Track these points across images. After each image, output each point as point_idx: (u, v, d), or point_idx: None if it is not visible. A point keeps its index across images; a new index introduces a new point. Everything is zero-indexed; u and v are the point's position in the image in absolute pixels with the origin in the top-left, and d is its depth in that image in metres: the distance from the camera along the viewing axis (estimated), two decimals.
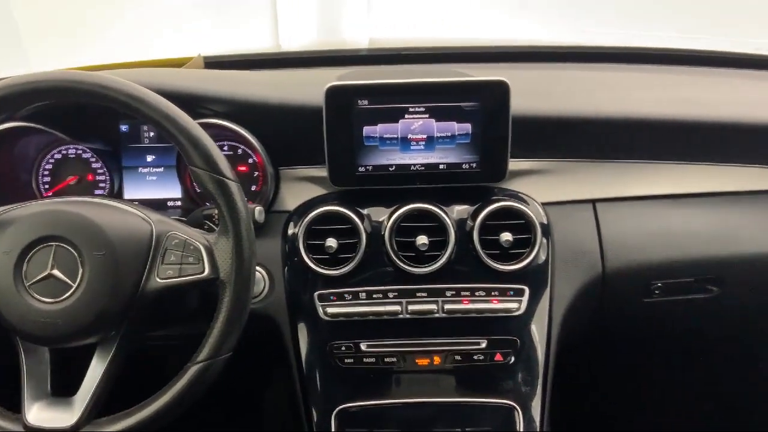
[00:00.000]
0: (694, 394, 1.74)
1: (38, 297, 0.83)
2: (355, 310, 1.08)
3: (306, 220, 1.07)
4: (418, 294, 1.08)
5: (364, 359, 1.09)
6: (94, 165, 1.21)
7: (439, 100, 1.05)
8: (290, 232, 1.11)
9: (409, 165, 1.09)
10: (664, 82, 1.39)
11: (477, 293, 1.08)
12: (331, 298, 1.08)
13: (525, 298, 1.08)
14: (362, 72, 1.30)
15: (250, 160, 1.16)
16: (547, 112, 1.15)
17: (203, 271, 0.87)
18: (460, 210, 1.10)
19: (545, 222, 1.11)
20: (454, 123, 1.07)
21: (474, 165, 1.09)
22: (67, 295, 0.83)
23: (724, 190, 1.20)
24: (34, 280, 0.83)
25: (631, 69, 1.48)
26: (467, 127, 1.07)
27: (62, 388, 0.90)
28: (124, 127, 1.20)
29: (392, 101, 1.05)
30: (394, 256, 1.07)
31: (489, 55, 1.52)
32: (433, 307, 1.07)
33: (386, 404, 1.10)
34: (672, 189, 1.18)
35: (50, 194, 1.21)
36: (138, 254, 0.86)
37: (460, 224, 1.09)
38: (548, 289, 1.11)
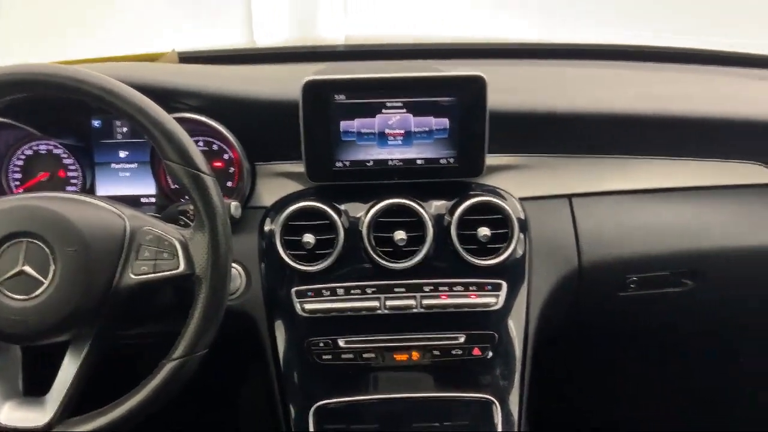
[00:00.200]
0: (671, 387, 1.76)
1: (9, 294, 0.81)
2: (333, 306, 1.07)
3: (283, 215, 1.06)
4: (396, 289, 1.08)
5: (342, 355, 1.09)
6: (65, 161, 1.19)
7: (416, 95, 1.05)
8: (267, 228, 1.10)
9: (387, 160, 1.09)
10: (639, 79, 1.41)
11: (455, 288, 1.08)
12: (309, 294, 1.07)
13: (503, 293, 1.09)
14: (339, 67, 1.30)
15: (226, 156, 1.15)
16: (524, 107, 1.16)
17: (178, 267, 0.85)
18: (437, 205, 1.10)
19: (522, 217, 1.12)
20: (432, 118, 1.07)
21: (451, 160, 1.09)
22: (39, 292, 0.81)
23: (699, 184, 1.21)
24: (5, 276, 0.81)
25: (608, 66, 1.49)
26: (444, 122, 1.07)
27: (34, 387, 0.88)
28: (96, 123, 1.18)
29: (369, 96, 1.05)
30: (372, 252, 1.06)
31: (467, 51, 1.53)
32: (411, 302, 1.07)
33: (365, 400, 1.10)
34: (647, 184, 1.20)
35: (20, 191, 1.19)
36: (111, 250, 0.85)
37: (438, 219, 1.09)
38: (525, 283, 1.11)
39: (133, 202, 1.17)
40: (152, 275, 0.85)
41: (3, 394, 0.86)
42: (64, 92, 0.85)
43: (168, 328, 0.91)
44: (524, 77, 1.37)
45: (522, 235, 1.10)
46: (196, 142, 1.10)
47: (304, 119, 1.04)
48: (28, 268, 0.82)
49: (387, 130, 1.07)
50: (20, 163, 1.19)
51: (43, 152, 1.19)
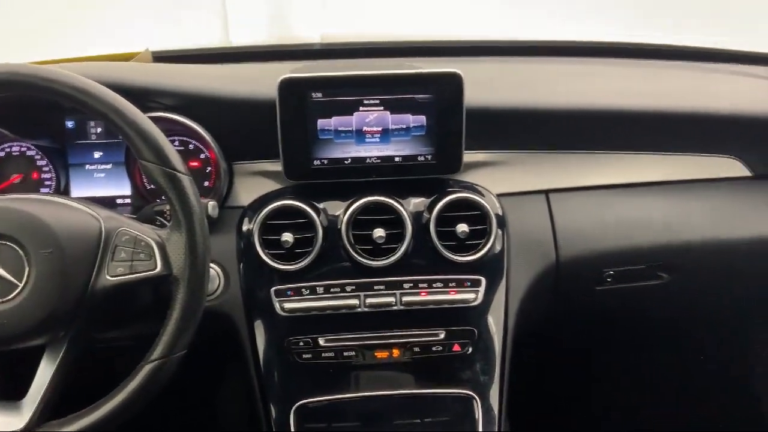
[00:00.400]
0: (648, 379, 1.79)
1: None
2: (313, 305, 1.07)
3: (261, 215, 1.05)
4: (376, 287, 1.08)
5: (323, 354, 1.09)
6: (39, 162, 1.17)
7: (393, 92, 1.05)
8: (245, 227, 1.10)
9: (365, 158, 1.08)
10: (616, 75, 1.42)
11: (434, 285, 1.08)
12: (288, 293, 1.07)
13: (482, 289, 1.09)
14: (316, 65, 1.30)
15: (202, 155, 1.14)
16: (501, 104, 1.16)
17: (155, 268, 0.85)
18: (416, 202, 1.11)
19: (500, 213, 1.12)
20: (409, 115, 1.07)
21: (429, 157, 1.09)
22: (13, 295, 0.80)
23: (674, 179, 1.23)
24: None
25: (584, 62, 1.51)
26: (422, 119, 1.07)
27: (11, 391, 0.87)
28: (70, 123, 1.16)
29: (346, 94, 1.05)
30: (351, 250, 1.06)
31: (443, 49, 1.53)
32: (391, 299, 1.07)
33: (346, 398, 1.10)
34: (623, 178, 1.21)
35: None
36: (87, 252, 0.84)
37: (417, 216, 1.09)
38: (504, 279, 1.12)
39: (108, 203, 1.16)
40: (129, 276, 0.84)
41: None
42: (36, 92, 0.84)
43: (146, 330, 0.90)
44: (501, 74, 1.38)
45: (500, 231, 1.11)
46: (172, 141, 1.10)
47: (280, 118, 1.04)
48: (2, 271, 0.80)
49: (364, 128, 1.07)
50: None
51: (16, 154, 1.17)
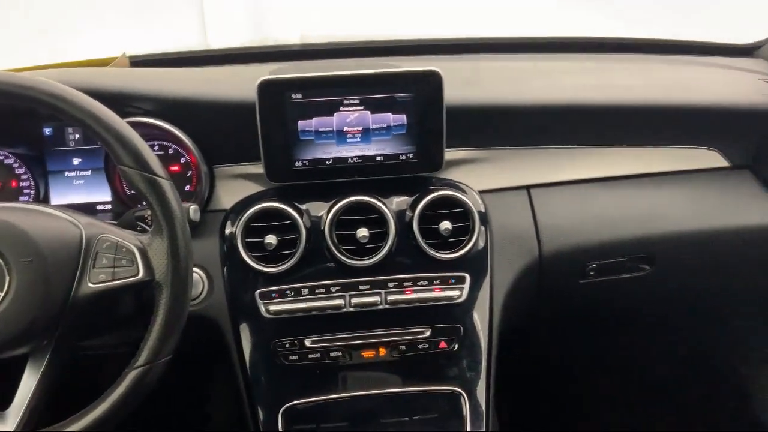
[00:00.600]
0: (634, 371, 1.80)
1: None
2: (298, 307, 1.07)
3: (243, 217, 1.05)
4: (361, 287, 1.08)
5: (309, 355, 1.09)
6: (17, 171, 1.16)
7: (373, 91, 1.05)
8: (228, 231, 1.09)
9: (347, 158, 1.08)
10: (594, 70, 1.43)
11: (419, 283, 1.08)
12: (273, 295, 1.07)
13: (466, 285, 1.10)
14: (295, 66, 1.29)
15: (183, 159, 1.13)
16: (481, 101, 1.17)
17: (137, 274, 0.84)
18: (399, 201, 1.11)
19: (483, 209, 1.13)
20: (389, 114, 1.07)
21: (411, 156, 1.09)
22: None
23: (654, 171, 1.24)
24: None
25: (562, 58, 1.51)
26: (402, 118, 1.07)
27: None
28: (47, 130, 1.15)
29: (326, 94, 1.05)
30: (335, 250, 1.06)
31: (422, 47, 1.53)
32: (377, 299, 1.07)
33: (333, 399, 1.10)
34: (604, 172, 1.22)
35: None
36: (68, 259, 0.83)
37: (400, 215, 1.09)
38: (488, 275, 1.12)
39: (88, 210, 1.15)
40: (111, 283, 0.84)
41: None
42: (12, 100, 0.83)
43: (131, 337, 0.90)
44: (480, 72, 1.39)
45: (483, 228, 1.11)
46: (152, 146, 1.09)
47: (261, 119, 1.04)
48: None
49: (345, 128, 1.07)
50: None
51: None
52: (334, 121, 1.06)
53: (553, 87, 1.26)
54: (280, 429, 1.08)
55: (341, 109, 1.06)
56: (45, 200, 1.15)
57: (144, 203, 0.87)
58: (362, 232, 1.05)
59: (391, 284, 1.08)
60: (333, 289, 1.08)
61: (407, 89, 1.05)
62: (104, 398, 0.83)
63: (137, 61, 1.39)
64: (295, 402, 1.09)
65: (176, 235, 0.85)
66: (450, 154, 1.13)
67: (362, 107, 1.06)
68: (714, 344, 1.77)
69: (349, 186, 1.09)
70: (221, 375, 1.61)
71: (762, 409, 1.69)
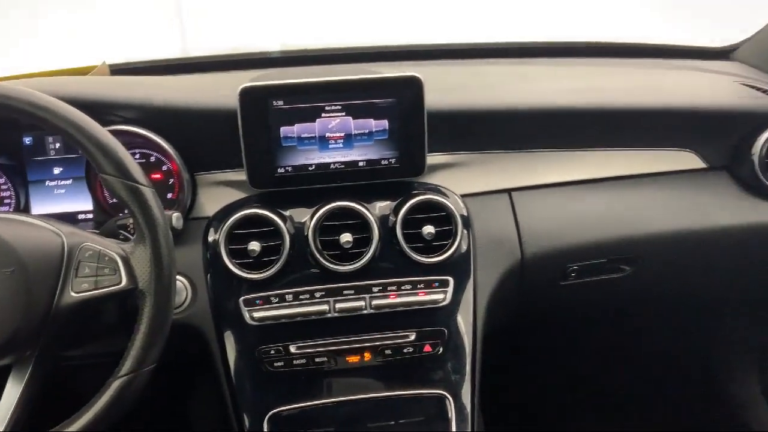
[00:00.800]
0: (616, 372, 1.82)
1: None
2: (283, 313, 1.06)
3: (227, 225, 1.05)
4: (345, 292, 1.08)
5: (294, 361, 1.08)
6: None
7: (354, 97, 1.06)
8: (211, 238, 1.09)
9: (329, 164, 1.09)
10: (572, 73, 1.45)
11: (403, 287, 1.09)
12: (257, 302, 1.07)
13: (450, 289, 1.10)
14: (276, 73, 1.30)
15: (165, 167, 1.13)
16: (462, 106, 1.18)
17: (120, 282, 0.84)
18: (382, 206, 1.11)
19: (465, 213, 1.13)
20: (371, 120, 1.08)
21: (393, 161, 1.10)
22: None
23: (632, 173, 1.26)
24: None
25: (540, 62, 1.53)
26: (384, 123, 1.08)
27: None
28: (27, 140, 1.14)
29: (308, 100, 1.05)
30: (318, 256, 1.06)
31: (403, 53, 1.55)
32: (361, 303, 1.08)
33: (319, 405, 1.10)
34: (583, 175, 1.23)
35: None
36: (50, 269, 0.82)
37: (383, 220, 1.10)
38: (471, 278, 1.13)
39: (70, 219, 1.14)
40: (94, 292, 0.83)
41: None
42: None
43: (114, 346, 0.89)
44: (461, 77, 1.40)
45: (465, 231, 1.12)
46: (133, 154, 1.09)
47: (243, 127, 1.04)
48: None
49: (327, 134, 1.07)
50: None
51: None
52: (316, 127, 1.07)
53: (533, 91, 1.27)
54: None
55: (323, 115, 1.06)
56: (26, 210, 1.14)
57: (126, 211, 0.87)
58: (346, 238, 1.06)
59: (375, 289, 1.08)
60: (317, 295, 1.08)
61: (389, 95, 1.06)
62: (88, 408, 0.83)
63: (117, 70, 1.39)
64: (280, 409, 1.09)
65: (159, 243, 0.84)
66: (432, 159, 1.14)
67: (344, 113, 1.06)
68: (695, 344, 1.80)
69: (332, 192, 1.09)
70: (206, 383, 1.61)
71: (744, 409, 1.72)
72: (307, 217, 1.08)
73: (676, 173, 1.28)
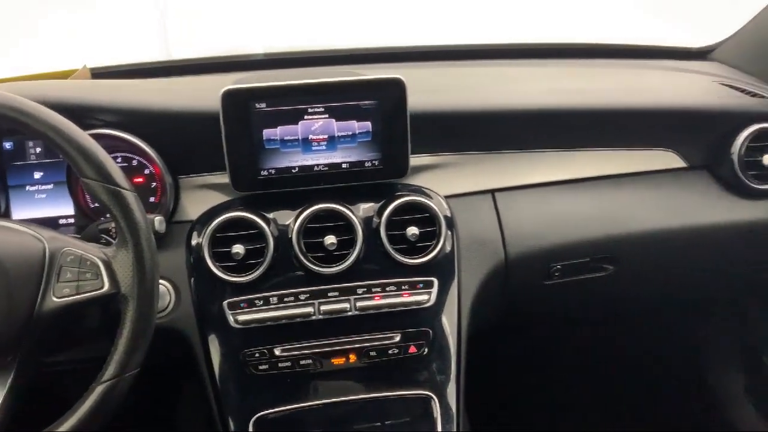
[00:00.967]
0: (600, 370, 1.83)
1: None
2: (267, 316, 1.06)
3: (210, 228, 1.05)
4: (330, 294, 1.08)
5: (279, 364, 1.08)
6: None
7: (337, 99, 1.06)
8: (194, 242, 1.09)
9: (312, 166, 1.09)
10: (554, 74, 1.46)
11: (388, 288, 1.09)
12: (242, 305, 1.06)
13: (434, 290, 1.10)
14: (259, 76, 1.29)
15: (147, 171, 1.12)
16: (444, 107, 1.19)
17: (102, 287, 0.83)
18: (365, 208, 1.11)
19: (449, 214, 1.14)
20: (354, 122, 1.08)
21: (376, 162, 1.10)
22: None
23: (615, 173, 1.27)
24: None
25: (522, 64, 1.54)
26: (367, 125, 1.08)
27: None
28: (7, 144, 1.13)
29: (290, 103, 1.05)
30: (303, 258, 1.06)
31: (385, 55, 1.55)
32: (346, 305, 1.08)
33: (305, 407, 1.09)
34: (566, 175, 1.24)
35: None
36: (31, 274, 0.82)
37: (367, 222, 1.10)
38: (456, 279, 1.13)
39: (51, 224, 1.13)
40: (76, 297, 0.83)
41: None
42: None
43: (97, 351, 0.89)
44: (443, 79, 1.40)
45: (449, 232, 1.13)
46: (115, 158, 1.08)
47: (225, 129, 1.03)
48: None
49: (310, 136, 1.07)
50: None
51: None
52: (299, 129, 1.07)
53: (516, 93, 1.28)
54: None
55: (306, 117, 1.06)
56: (6, 215, 1.13)
57: (108, 216, 0.87)
58: (330, 240, 1.06)
59: (359, 290, 1.08)
60: (302, 297, 1.07)
61: (371, 97, 1.06)
62: (71, 413, 0.82)
63: (98, 73, 1.38)
64: (266, 412, 1.08)
65: (141, 247, 0.84)
66: (415, 160, 1.14)
67: (327, 115, 1.07)
68: (679, 343, 1.81)
69: (315, 194, 1.09)
70: (191, 387, 1.60)
71: (727, 407, 1.73)
72: (291, 220, 1.08)
73: (657, 173, 1.29)
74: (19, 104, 0.83)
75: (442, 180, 1.18)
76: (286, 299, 1.07)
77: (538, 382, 1.85)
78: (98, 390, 0.82)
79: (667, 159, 1.30)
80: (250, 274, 1.05)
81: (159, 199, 1.12)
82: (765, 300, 1.59)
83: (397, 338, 1.10)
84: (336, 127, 1.07)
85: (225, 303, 1.06)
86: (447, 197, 1.17)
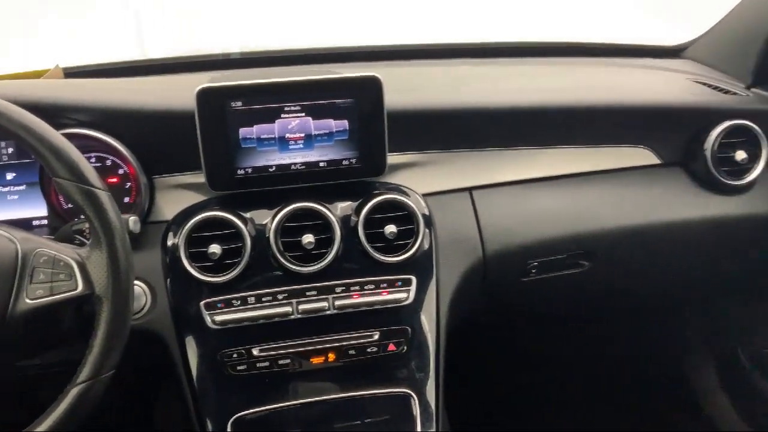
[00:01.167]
0: (579, 367, 1.84)
1: None
2: (245, 316, 1.05)
3: (186, 228, 1.04)
4: (308, 293, 1.08)
5: (258, 364, 1.08)
6: None
7: (314, 98, 1.06)
8: (170, 242, 1.08)
9: (289, 165, 1.08)
10: (528, 73, 1.47)
11: (366, 287, 1.09)
12: (219, 305, 1.06)
13: (413, 288, 1.11)
14: (235, 74, 1.28)
15: (121, 171, 1.11)
16: (421, 106, 1.19)
17: (76, 288, 0.82)
18: (343, 206, 1.11)
19: (426, 212, 1.14)
20: (331, 120, 1.07)
21: (354, 161, 1.10)
22: None
23: (590, 170, 1.28)
24: None
25: (497, 62, 1.55)
26: (344, 123, 1.08)
27: None
28: None
29: (267, 101, 1.04)
30: (280, 257, 1.06)
31: (362, 54, 1.55)
32: (324, 304, 1.07)
33: (284, 407, 1.09)
34: (542, 172, 1.25)
35: None
36: (3, 276, 0.80)
37: (345, 220, 1.09)
38: (434, 276, 1.13)
39: (24, 225, 1.11)
40: (49, 298, 0.81)
41: None
42: None
43: (72, 354, 0.87)
44: (420, 77, 1.41)
45: (427, 230, 1.13)
46: (89, 158, 1.07)
47: (200, 128, 1.03)
48: None
49: (287, 135, 1.07)
50: None
51: None
52: (276, 128, 1.06)
53: (491, 91, 1.29)
54: None
55: (282, 115, 1.06)
56: None
57: (81, 216, 0.85)
58: (308, 239, 1.05)
59: (338, 289, 1.08)
60: (280, 297, 1.07)
61: (348, 95, 1.06)
62: (46, 416, 0.81)
63: (71, 73, 1.36)
64: (244, 413, 1.07)
65: (116, 247, 0.83)
66: (393, 159, 1.14)
67: (303, 114, 1.06)
68: (656, 338, 1.83)
69: (293, 193, 1.09)
70: (168, 388, 1.58)
71: (703, 401, 1.76)
72: (269, 219, 1.07)
73: (632, 169, 1.30)
74: None
75: (420, 178, 1.19)
76: (263, 299, 1.06)
77: (517, 379, 1.86)
78: (73, 392, 0.81)
79: (641, 156, 1.32)
80: (227, 274, 1.04)
81: (134, 200, 1.11)
82: (738, 294, 1.61)
83: (376, 336, 1.10)
84: (313, 125, 1.07)
85: (202, 303, 1.05)
86: (425, 195, 1.17)
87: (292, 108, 1.05)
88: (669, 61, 1.60)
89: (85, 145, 1.05)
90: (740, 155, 1.28)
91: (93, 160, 1.10)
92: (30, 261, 0.82)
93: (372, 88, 1.06)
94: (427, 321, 1.13)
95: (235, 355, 1.07)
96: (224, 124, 1.04)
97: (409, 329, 1.11)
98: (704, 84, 1.41)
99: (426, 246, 1.13)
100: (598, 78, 1.46)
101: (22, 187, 1.12)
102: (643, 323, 1.79)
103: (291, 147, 1.07)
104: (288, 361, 1.08)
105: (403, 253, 1.09)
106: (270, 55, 1.52)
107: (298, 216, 1.07)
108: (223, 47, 1.58)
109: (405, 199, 1.10)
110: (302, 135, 1.07)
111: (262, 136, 1.06)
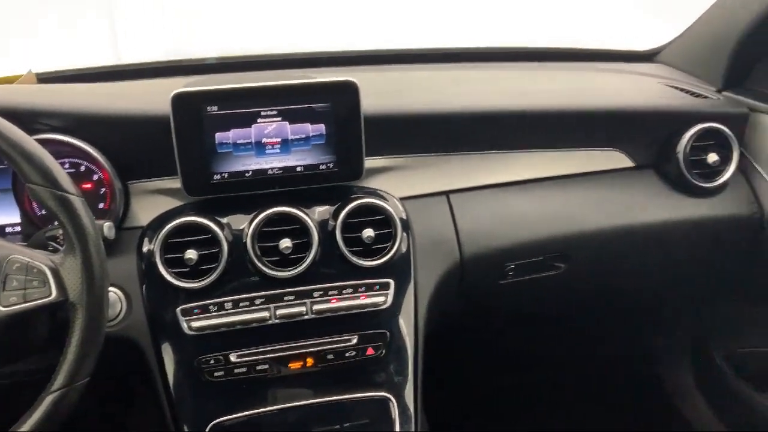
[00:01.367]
0: (557, 368, 1.86)
1: None
2: (222, 321, 1.05)
3: (162, 233, 1.03)
4: (286, 298, 1.07)
5: (235, 370, 1.07)
6: None
7: (290, 102, 1.06)
8: (146, 248, 1.07)
9: (266, 169, 1.08)
10: (505, 77, 1.48)
11: (344, 291, 1.09)
12: (195, 311, 1.05)
13: (391, 291, 1.11)
14: (211, 79, 1.28)
15: (95, 177, 1.10)
16: (398, 110, 1.19)
17: (50, 295, 0.81)
18: (321, 211, 1.11)
19: (404, 216, 1.14)
20: (308, 125, 1.07)
21: (331, 165, 1.10)
22: None
23: (565, 173, 1.29)
24: None
25: (474, 67, 1.56)
26: (321, 128, 1.08)
27: None
28: None
29: (243, 106, 1.04)
30: (258, 262, 1.05)
31: (338, 59, 1.55)
32: (302, 309, 1.07)
33: (262, 413, 1.08)
34: (518, 176, 1.26)
35: None
36: None
37: (323, 224, 1.09)
38: (412, 280, 1.14)
39: None
40: (22, 305, 0.80)
41: None
42: None
43: (46, 362, 0.86)
44: (395, 82, 1.41)
45: (405, 234, 1.13)
46: (62, 164, 1.06)
47: (176, 133, 1.02)
48: None
49: (264, 139, 1.07)
50: None
51: None
52: (252, 132, 1.06)
53: (467, 95, 1.30)
54: None
55: (259, 120, 1.05)
56: None
57: (55, 222, 0.84)
58: (285, 243, 1.05)
59: (316, 294, 1.08)
60: (257, 302, 1.06)
61: (324, 99, 1.06)
62: (20, 425, 0.79)
63: (45, 78, 1.35)
64: (222, 419, 1.07)
65: (90, 253, 0.82)
66: (370, 163, 1.14)
67: (280, 118, 1.06)
68: (630, 340, 1.85)
69: (270, 197, 1.08)
70: (145, 395, 1.57)
71: (677, 403, 1.78)
72: (245, 224, 1.07)
73: (606, 172, 1.32)
74: None
75: (398, 182, 1.19)
76: (241, 304, 1.06)
77: (495, 381, 1.87)
78: (47, 400, 0.80)
79: (615, 159, 1.33)
80: (203, 280, 1.04)
81: (108, 205, 1.09)
82: (711, 295, 1.63)
83: (355, 341, 1.10)
84: (290, 130, 1.07)
85: (178, 310, 1.05)
86: (402, 199, 1.17)
87: (269, 113, 1.05)
88: (642, 66, 1.63)
89: (59, 150, 1.04)
90: (712, 158, 1.30)
91: (67, 165, 1.08)
92: (3, 268, 0.81)
93: (348, 92, 1.06)
94: (406, 324, 1.13)
95: (212, 362, 1.06)
96: (200, 129, 1.03)
97: (388, 333, 1.11)
98: (676, 88, 1.43)
99: (404, 249, 1.13)
100: (572, 82, 1.48)
101: None
102: (618, 325, 1.80)
103: (268, 151, 1.07)
104: (266, 366, 1.08)
105: (381, 257, 1.09)
106: (247, 60, 1.51)
107: (275, 221, 1.06)
108: (201, 52, 1.57)
109: (382, 203, 1.10)
110: (279, 139, 1.07)
111: (239, 141, 1.06)
